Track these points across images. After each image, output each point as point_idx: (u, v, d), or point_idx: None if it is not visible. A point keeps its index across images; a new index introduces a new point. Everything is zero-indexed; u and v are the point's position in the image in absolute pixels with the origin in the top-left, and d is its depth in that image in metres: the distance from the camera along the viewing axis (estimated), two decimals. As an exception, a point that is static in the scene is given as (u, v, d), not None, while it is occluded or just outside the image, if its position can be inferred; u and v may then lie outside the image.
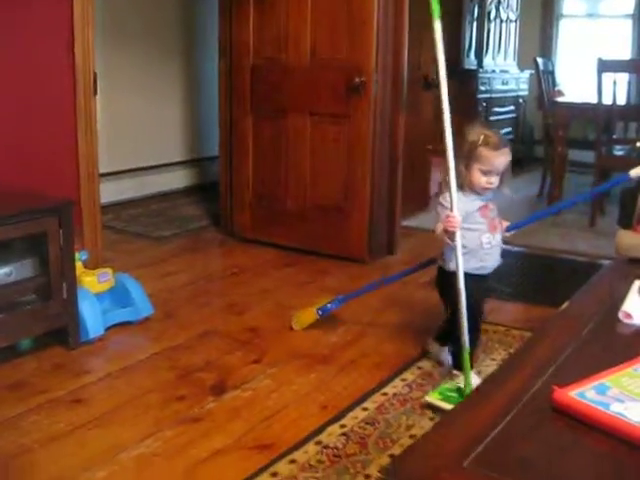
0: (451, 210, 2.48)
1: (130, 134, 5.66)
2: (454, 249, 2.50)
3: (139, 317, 3.30)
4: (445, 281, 2.69)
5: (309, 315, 3.28)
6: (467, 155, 2.55)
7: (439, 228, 2.56)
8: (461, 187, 2.56)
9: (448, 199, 2.52)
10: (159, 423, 2.48)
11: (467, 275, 2.53)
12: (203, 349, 3.08)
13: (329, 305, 3.27)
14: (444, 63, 2.46)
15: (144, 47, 5.69)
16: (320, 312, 3.25)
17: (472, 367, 2.61)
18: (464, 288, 2.50)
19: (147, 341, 3.18)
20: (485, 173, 2.54)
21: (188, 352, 3.05)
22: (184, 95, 6.21)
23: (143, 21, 5.67)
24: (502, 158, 2.55)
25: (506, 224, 2.74)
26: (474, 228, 2.59)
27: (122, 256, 4.24)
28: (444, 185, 2.57)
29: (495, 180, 2.56)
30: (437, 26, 2.47)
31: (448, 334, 2.76)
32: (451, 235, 2.49)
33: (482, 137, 2.53)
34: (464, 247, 2.52)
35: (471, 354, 2.59)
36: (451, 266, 2.58)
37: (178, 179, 6.17)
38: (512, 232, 2.79)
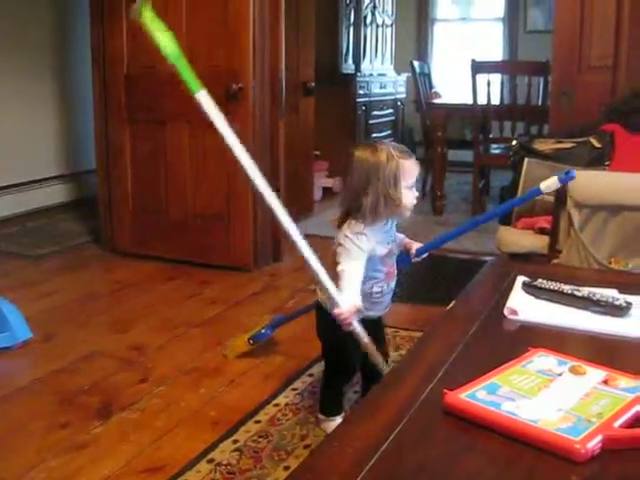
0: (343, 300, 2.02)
1: (1, 149, 5.41)
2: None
3: (17, 342, 3.13)
4: (325, 323, 2.26)
5: (241, 344, 3.07)
6: (394, 176, 2.12)
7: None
8: (377, 219, 2.16)
9: (356, 230, 2.14)
10: (42, 453, 2.35)
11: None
12: (87, 371, 2.95)
13: (263, 331, 3.05)
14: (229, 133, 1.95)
15: (12, 56, 5.46)
16: (251, 341, 3.04)
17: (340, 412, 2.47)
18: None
19: (26, 367, 3.03)
20: (410, 188, 2.17)
21: (71, 375, 2.92)
22: (58, 106, 5.99)
23: (11, 29, 5.43)
24: (417, 164, 2.20)
25: (417, 246, 2.39)
26: (371, 276, 2.21)
27: (-3, 278, 4.05)
28: (351, 213, 2.19)
29: (416, 192, 2.21)
30: (204, 97, 1.88)
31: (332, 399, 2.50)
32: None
33: (392, 150, 2.14)
34: None
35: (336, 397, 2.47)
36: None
37: (55, 194, 5.94)
38: (422, 256, 2.41)
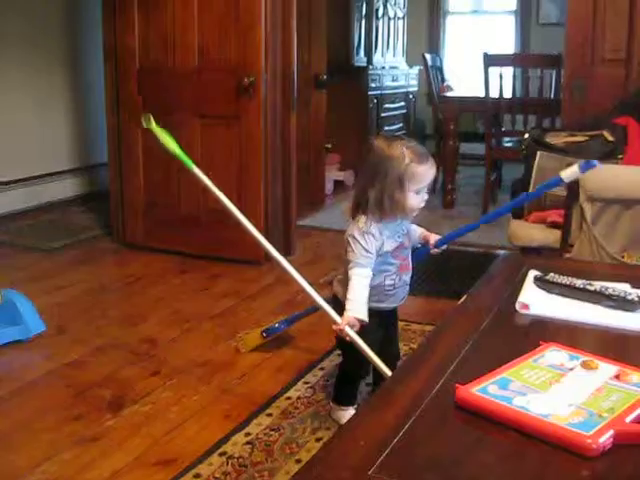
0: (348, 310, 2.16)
1: (14, 143, 5.42)
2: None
3: (30, 335, 3.14)
4: (341, 313, 2.25)
5: (254, 337, 3.07)
6: (400, 178, 2.12)
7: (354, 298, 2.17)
8: (383, 216, 2.19)
9: (364, 229, 2.17)
10: (55, 446, 2.36)
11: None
12: (99, 364, 2.97)
13: (277, 325, 3.06)
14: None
15: (24, 51, 5.46)
16: (265, 334, 3.04)
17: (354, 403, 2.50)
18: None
19: (39, 359, 3.04)
20: (419, 192, 2.17)
21: (83, 368, 2.93)
22: (71, 100, 6.00)
23: (23, 24, 5.44)
24: (433, 170, 2.19)
25: (436, 238, 2.39)
26: (382, 269, 2.25)
27: (10, 271, 4.06)
28: (360, 209, 2.22)
29: (427, 195, 2.22)
30: (197, 170, 2.56)
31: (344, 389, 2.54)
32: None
33: (407, 152, 2.13)
34: None
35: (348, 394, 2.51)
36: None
37: (68, 188, 5.95)
38: (442, 248, 2.41)
